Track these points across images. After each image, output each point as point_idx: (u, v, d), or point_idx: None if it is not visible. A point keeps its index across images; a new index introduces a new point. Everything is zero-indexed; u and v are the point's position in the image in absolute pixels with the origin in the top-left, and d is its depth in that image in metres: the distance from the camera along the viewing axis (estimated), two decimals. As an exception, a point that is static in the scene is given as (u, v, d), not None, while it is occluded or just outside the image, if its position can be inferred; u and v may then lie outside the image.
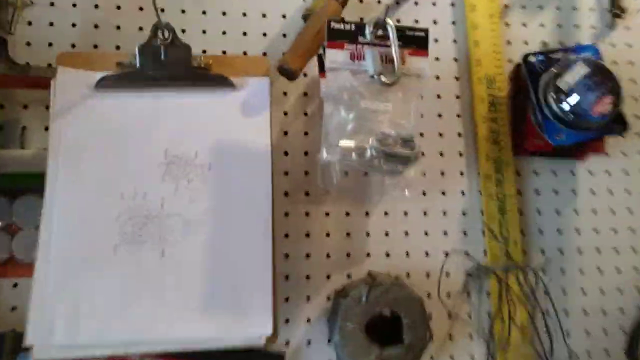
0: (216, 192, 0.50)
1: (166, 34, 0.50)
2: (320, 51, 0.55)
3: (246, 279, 0.49)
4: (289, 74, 0.52)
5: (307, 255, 0.58)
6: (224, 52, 0.59)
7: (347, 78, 0.51)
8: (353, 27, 0.50)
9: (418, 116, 0.52)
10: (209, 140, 0.51)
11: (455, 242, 0.61)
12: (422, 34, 0.52)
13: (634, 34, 0.68)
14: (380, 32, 0.51)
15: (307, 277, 0.58)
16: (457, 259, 0.61)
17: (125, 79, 0.50)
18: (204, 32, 0.60)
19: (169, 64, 0.51)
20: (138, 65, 0.50)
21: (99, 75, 0.50)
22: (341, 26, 0.50)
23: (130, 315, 0.46)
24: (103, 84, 0.50)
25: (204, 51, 0.59)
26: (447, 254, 0.60)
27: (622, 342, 0.61)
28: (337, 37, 0.50)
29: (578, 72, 0.57)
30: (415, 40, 0.52)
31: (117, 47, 0.57)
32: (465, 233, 0.62)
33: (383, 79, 0.49)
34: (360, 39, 0.51)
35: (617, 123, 0.58)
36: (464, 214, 0.62)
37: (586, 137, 0.58)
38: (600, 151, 0.61)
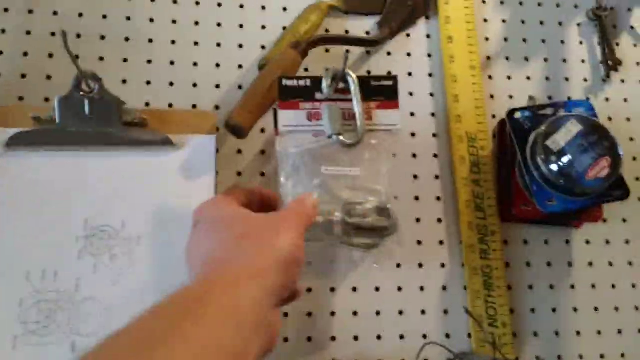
0: (146, 271, 0.42)
1: (92, 84, 0.44)
2: (276, 105, 0.48)
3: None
4: (237, 132, 0.46)
5: (261, 340, 0.50)
6: (171, 105, 0.53)
7: (304, 138, 0.44)
8: (309, 82, 0.44)
9: (391, 178, 0.45)
10: (140, 208, 0.44)
11: (434, 323, 0.53)
12: (390, 82, 0.45)
13: (630, 87, 0.62)
14: (341, 85, 0.45)
15: (261, 365, 0.49)
16: (437, 346, 0.52)
17: (42, 136, 0.43)
18: (148, 83, 0.53)
19: (94, 120, 0.44)
20: (58, 120, 0.44)
21: (11, 131, 0.43)
22: (295, 83, 0.44)
23: None
24: (15, 141, 0.43)
25: (147, 104, 0.52)
26: (424, 345, 0.51)
27: None
28: (291, 96, 0.44)
29: (570, 130, 0.51)
30: (382, 91, 0.46)
31: (46, 100, 0.50)
32: (446, 312, 0.53)
33: (343, 139, 0.42)
34: (318, 95, 0.44)
35: (616, 188, 0.51)
36: (444, 289, 0.54)
37: (581, 204, 0.51)
38: (597, 219, 0.54)
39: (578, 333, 0.54)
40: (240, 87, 0.55)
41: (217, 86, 0.55)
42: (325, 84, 0.44)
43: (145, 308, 0.40)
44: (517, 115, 0.54)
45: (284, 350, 0.50)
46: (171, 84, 0.54)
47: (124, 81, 0.53)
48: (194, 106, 0.53)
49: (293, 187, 0.43)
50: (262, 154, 0.54)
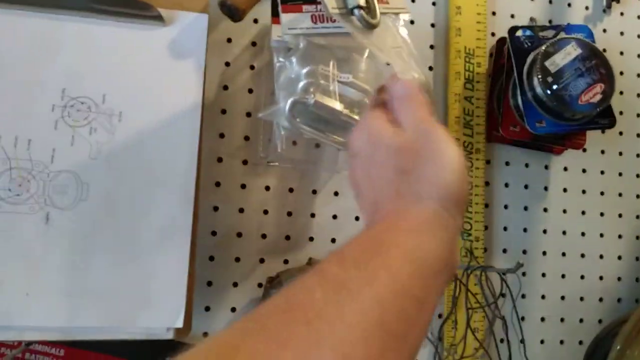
0: (126, 149, 0.40)
1: (76, -62, 0.39)
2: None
3: (155, 258, 0.39)
4: (233, 13, 0.42)
5: (239, 235, 0.49)
6: (158, -20, 0.48)
7: (306, 21, 0.42)
8: None
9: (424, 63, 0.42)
10: (123, 82, 0.41)
11: (410, 233, 0.54)
12: None
13: (628, 21, 0.61)
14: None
15: (237, 259, 0.49)
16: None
17: (17, -9, 0.39)
18: (135, -48, 0.49)
19: (77, -21, 0.40)
20: (35, -25, 0.39)
21: (-19, -18, 0.39)
22: None
23: (1, 290, 0.36)
24: (-15, -6, 0.39)
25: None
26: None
27: (580, 353, 0.56)
28: None
29: (569, 53, 0.50)
30: None
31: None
32: (423, 224, 0.54)
33: (365, 16, 0.38)
34: None
35: (603, 116, 0.51)
36: (423, 202, 0.54)
37: (569, 128, 0.51)
38: (580, 146, 0.55)
39: (544, 253, 0.57)
40: (235, -31, 0.51)
41: (210, -35, 0.51)
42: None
43: (124, 185, 0.38)
44: (519, 33, 0.52)
45: (260, 246, 0.50)
46: (159, -44, 0.49)
47: (107, -53, 0.48)
48: (184, -16, 0.49)
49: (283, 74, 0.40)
50: (253, 45, 0.51)
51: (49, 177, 0.38)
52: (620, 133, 0.59)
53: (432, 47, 0.56)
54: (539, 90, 0.49)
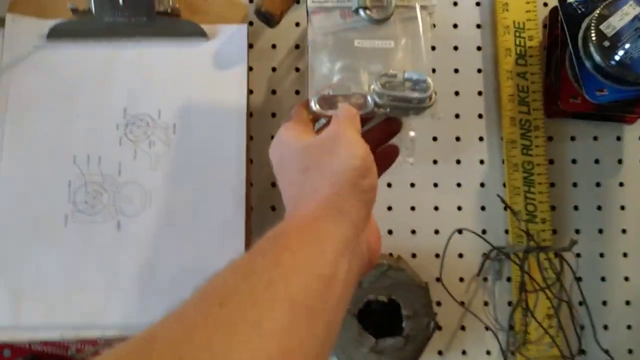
0: (181, 158, 0.44)
1: (124, -27, 0.43)
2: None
3: (216, 259, 0.42)
4: (268, 19, 0.45)
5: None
6: (203, -1, 0.52)
7: (334, 20, 0.43)
8: None
9: (430, 53, 0.42)
10: (174, 97, 0.45)
11: (471, 219, 0.52)
12: None
13: None
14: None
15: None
16: (473, 238, 0.52)
17: (80, 26, 0.44)
18: (181, -25, 0.53)
19: (129, 10, 0.44)
20: (94, 11, 0.44)
21: (51, 23, 0.44)
22: None
23: (81, 296, 0.41)
24: (55, 33, 0.44)
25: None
26: (459, 232, 0.51)
27: (672, 341, 0.51)
28: None
29: (627, 13, 0.46)
30: None
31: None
32: (483, 208, 0.53)
33: (370, 13, 0.39)
34: None
35: (676, 76, 0.47)
36: (482, 185, 0.53)
37: (634, 93, 0.47)
38: (654, 112, 0.50)
39: (624, 231, 0.53)
40: (273, -22, 0.53)
41: (250, -22, 0.53)
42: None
43: (181, 191, 0.42)
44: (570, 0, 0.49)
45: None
46: (203, -23, 0.53)
47: (156, -25, 0.52)
48: (227, -1, 0.52)
49: (323, 66, 0.42)
50: (297, 48, 0.53)
51: (117, 188, 0.42)
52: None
53: (478, 26, 0.54)
54: (596, 56, 0.46)
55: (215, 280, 0.25)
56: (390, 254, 0.52)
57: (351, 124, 0.34)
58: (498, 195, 0.52)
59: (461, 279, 0.52)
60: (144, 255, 0.41)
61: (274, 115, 0.52)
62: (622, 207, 0.53)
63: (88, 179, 0.42)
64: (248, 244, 0.43)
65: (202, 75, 0.45)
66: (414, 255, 0.52)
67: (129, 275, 0.41)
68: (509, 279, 0.52)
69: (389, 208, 0.52)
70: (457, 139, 0.53)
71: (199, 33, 0.45)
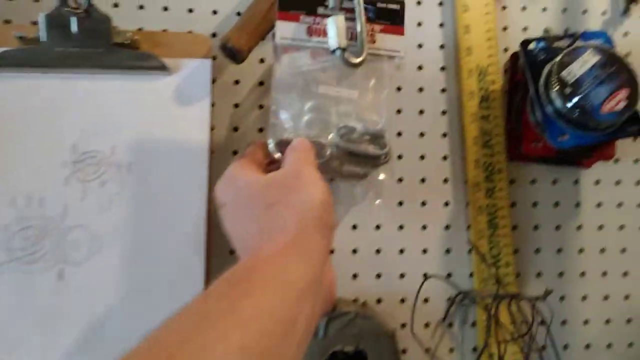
0: (136, 199, 0.40)
1: (79, 0, 0.40)
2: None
3: (170, 305, 0.39)
4: (234, 54, 0.43)
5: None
6: (164, 31, 0.50)
7: (304, 60, 0.41)
8: None
9: (391, 108, 0.42)
10: (131, 134, 0.42)
11: (436, 262, 0.52)
12: (397, 6, 0.42)
13: (651, 22, 0.58)
14: (345, 5, 0.42)
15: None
16: (438, 283, 0.51)
17: (27, 55, 0.41)
18: (141, 7, 0.50)
19: (83, 39, 0.41)
20: (44, 39, 0.41)
21: (-6, 50, 0.40)
22: None
23: (16, 353, 0.36)
24: (0, 62, 0.40)
25: (140, 29, 0.49)
26: (425, 277, 0.50)
27: (632, 383, 0.52)
28: (291, 7, 0.40)
29: (587, 61, 0.48)
30: (389, 15, 0.42)
31: (34, 23, 0.47)
32: (448, 251, 0.52)
33: (347, 55, 0.39)
34: (321, 10, 0.41)
35: (631, 123, 0.48)
36: (447, 228, 0.52)
37: (594, 139, 0.48)
38: (609, 157, 0.52)
39: (583, 274, 0.53)
40: (238, 13, 0.52)
41: (214, 12, 0.52)
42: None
43: (135, 236, 0.39)
44: (532, 46, 0.51)
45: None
46: (165, 8, 0.51)
47: (116, 5, 0.49)
48: (189, 32, 0.50)
49: (285, 109, 0.40)
50: (260, 85, 0.51)
51: (62, 233, 0.39)
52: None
53: (443, 68, 0.55)
54: (557, 102, 0.47)
55: (167, 327, 0.23)
56: (355, 300, 0.50)
57: (309, 159, 0.34)
58: (469, 240, 0.51)
59: (427, 325, 0.51)
60: (91, 309, 0.37)
61: (235, 153, 0.50)
62: (581, 250, 0.54)
63: (27, 223, 0.38)
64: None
65: (162, 111, 0.42)
66: (379, 301, 0.51)
67: (71, 333, 0.37)
68: (474, 324, 0.51)
69: (354, 251, 0.51)
70: (422, 180, 0.53)
71: (159, 67, 0.43)
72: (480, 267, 0.50)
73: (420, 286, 0.49)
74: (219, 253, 0.47)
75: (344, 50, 0.38)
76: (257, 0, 0.45)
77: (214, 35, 0.51)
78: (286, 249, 0.28)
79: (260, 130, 0.51)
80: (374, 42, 0.41)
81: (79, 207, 0.39)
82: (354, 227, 0.51)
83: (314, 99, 0.40)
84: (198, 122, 0.43)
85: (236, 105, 0.51)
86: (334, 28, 0.38)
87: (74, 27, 0.41)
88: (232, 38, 0.42)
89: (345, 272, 0.50)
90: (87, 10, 0.41)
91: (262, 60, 0.52)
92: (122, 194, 0.40)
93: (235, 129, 0.50)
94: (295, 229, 0.29)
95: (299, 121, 0.41)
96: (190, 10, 0.51)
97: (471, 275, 0.52)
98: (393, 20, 0.43)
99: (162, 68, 0.43)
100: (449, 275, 0.52)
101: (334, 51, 0.38)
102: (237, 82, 0.51)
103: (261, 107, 0.51)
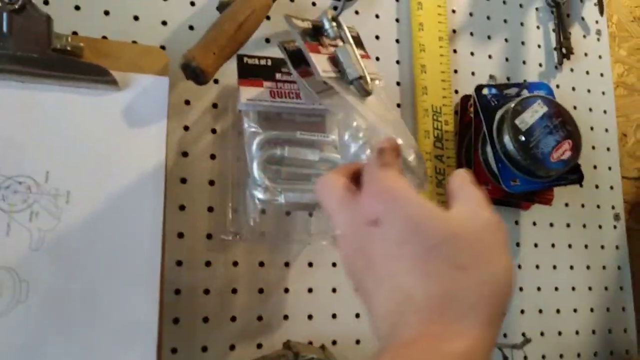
0: (75, 236, 0.34)
1: (14, -6, 0.34)
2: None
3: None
4: (198, 75, 0.38)
5: (205, 320, 0.43)
6: (105, 38, 0.43)
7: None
8: (269, 62, 0.43)
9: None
10: (70, 156, 0.35)
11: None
12: (355, 34, 0.43)
13: (578, 77, 0.63)
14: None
15: (204, 348, 0.43)
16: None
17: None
18: (77, 8, 0.44)
19: (15, 41, 0.34)
20: (-37, 36, 0.33)
21: None
22: (255, 61, 0.43)
23: None
24: None
25: (75, 33, 0.42)
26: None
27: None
28: (251, 74, 0.43)
29: (536, 111, 0.50)
30: (358, 42, 0.43)
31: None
32: (401, 291, 0.51)
33: (364, 83, 0.38)
34: (278, 76, 0.43)
35: (571, 172, 0.51)
36: (401, 267, 0.51)
37: (541, 185, 0.51)
38: (549, 201, 0.55)
39: (522, 312, 0.55)
40: (191, 27, 0.47)
41: (164, 23, 0.46)
42: (327, 25, 0.39)
43: (73, 280, 0.32)
44: (485, 91, 0.52)
45: (230, 331, 0.44)
46: (106, 12, 0.45)
47: (46, 2, 0.42)
48: (134, 43, 0.44)
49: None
50: (214, 107, 0.47)
51: (-23, 276, 0.31)
52: (581, 185, 0.60)
53: (399, 105, 0.54)
54: (511, 148, 0.49)
55: None
56: (310, 342, 0.47)
57: (485, 201, 0.26)
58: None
59: (379, 368, 0.49)
60: (12, 369, 0.30)
61: (183, 181, 0.45)
62: (521, 289, 0.56)
63: None
64: (160, 342, 0.34)
65: (109, 132, 0.36)
66: (334, 342, 0.48)
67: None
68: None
69: (310, 290, 0.48)
70: (378, 217, 0.51)
71: (107, 80, 0.37)
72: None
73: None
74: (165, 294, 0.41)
75: (360, 79, 0.38)
76: (222, 19, 0.41)
77: (162, 47, 0.46)
78: (466, 355, 0.21)
79: (213, 156, 0.46)
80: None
81: (2, 244, 0.32)
82: (310, 264, 0.48)
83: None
84: (153, 146, 0.37)
85: (186, 128, 0.46)
86: (347, 58, 0.37)
87: (5, 25, 0.34)
88: (197, 57, 0.38)
89: (300, 312, 0.47)
90: (23, 5, 0.34)
91: (216, 81, 0.47)
92: (57, 229, 0.33)
93: (185, 154, 0.45)
94: (477, 325, 0.21)
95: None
96: (136, 18, 0.46)
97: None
98: (361, 46, 0.43)
99: (112, 82, 0.37)
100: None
101: (351, 82, 0.36)
102: (187, 102, 0.46)
103: (214, 131, 0.47)
